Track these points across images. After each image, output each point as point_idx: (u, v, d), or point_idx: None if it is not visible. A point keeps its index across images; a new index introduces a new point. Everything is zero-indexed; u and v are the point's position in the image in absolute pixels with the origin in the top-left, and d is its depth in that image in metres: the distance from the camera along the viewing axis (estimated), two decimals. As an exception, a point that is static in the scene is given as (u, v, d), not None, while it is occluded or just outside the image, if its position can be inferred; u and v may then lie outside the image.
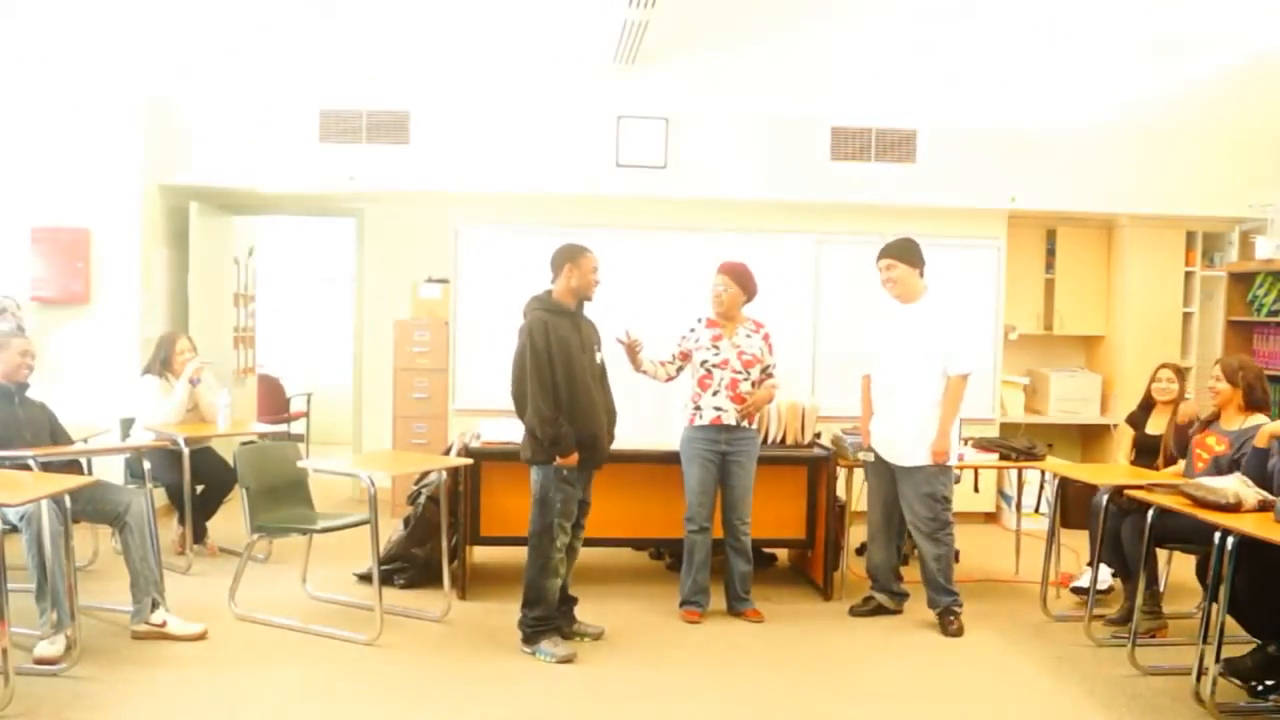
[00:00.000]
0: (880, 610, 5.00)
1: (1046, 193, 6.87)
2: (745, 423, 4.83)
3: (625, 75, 6.55)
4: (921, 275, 4.82)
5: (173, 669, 4.05)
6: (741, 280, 4.85)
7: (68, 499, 3.99)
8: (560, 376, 4.23)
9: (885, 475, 4.91)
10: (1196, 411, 4.99)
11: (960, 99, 6.68)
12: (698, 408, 4.81)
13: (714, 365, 4.80)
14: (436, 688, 3.99)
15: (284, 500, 4.98)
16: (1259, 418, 4.51)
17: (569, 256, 4.37)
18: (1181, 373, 5.39)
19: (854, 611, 5.04)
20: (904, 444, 4.78)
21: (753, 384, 4.84)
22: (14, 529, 4.06)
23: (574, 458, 4.27)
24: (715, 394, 4.78)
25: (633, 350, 4.75)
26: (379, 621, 4.47)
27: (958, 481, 5.48)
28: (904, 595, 4.96)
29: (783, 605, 5.12)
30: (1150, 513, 4.24)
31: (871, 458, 4.96)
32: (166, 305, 6.82)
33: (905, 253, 4.79)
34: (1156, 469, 5.09)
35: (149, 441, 5.43)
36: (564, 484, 4.30)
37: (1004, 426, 6.96)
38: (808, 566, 5.60)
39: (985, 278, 6.90)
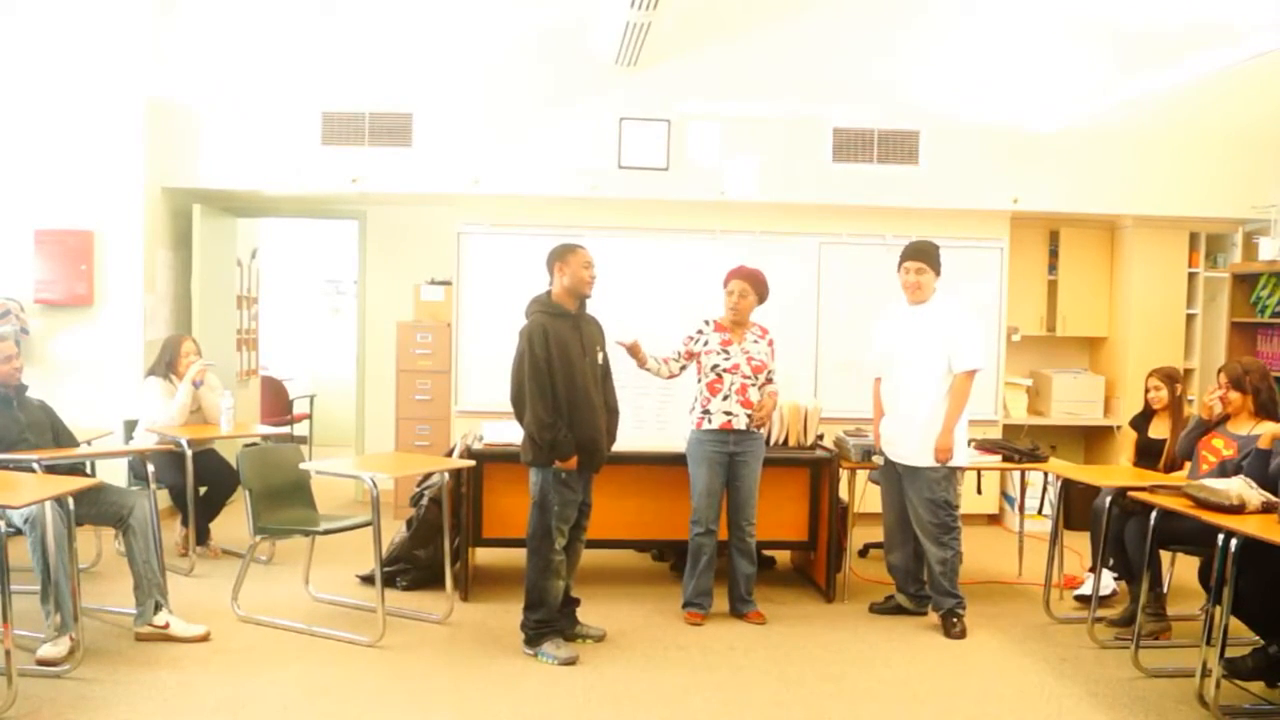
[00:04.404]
0: (900, 610, 5.00)
1: (1049, 194, 6.87)
2: (754, 427, 4.83)
3: (628, 77, 6.57)
4: (938, 278, 4.83)
5: (176, 670, 4.06)
6: (757, 286, 4.85)
7: (71, 501, 3.99)
8: (559, 381, 4.23)
9: (895, 478, 4.90)
10: (1211, 406, 4.89)
11: (962, 100, 6.69)
12: (706, 412, 4.79)
13: (724, 370, 4.79)
14: (439, 689, 3.99)
15: (287, 502, 4.98)
16: (1270, 425, 4.48)
17: (558, 255, 4.37)
18: (1171, 377, 5.35)
19: (874, 608, 5.05)
20: (911, 444, 4.77)
21: (759, 389, 4.85)
22: (18, 531, 4.07)
23: (573, 461, 4.27)
24: (725, 399, 4.78)
25: (635, 351, 4.76)
26: (381, 623, 4.47)
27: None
28: (926, 598, 4.92)
29: (785, 607, 5.11)
30: (1153, 515, 4.24)
31: (881, 461, 4.97)
32: (170, 307, 6.83)
33: (931, 259, 4.79)
34: (1158, 472, 5.08)
35: (152, 444, 5.44)
36: (562, 486, 4.30)
37: (1007, 428, 6.95)
38: (810, 568, 5.59)
39: (988, 279, 6.90)
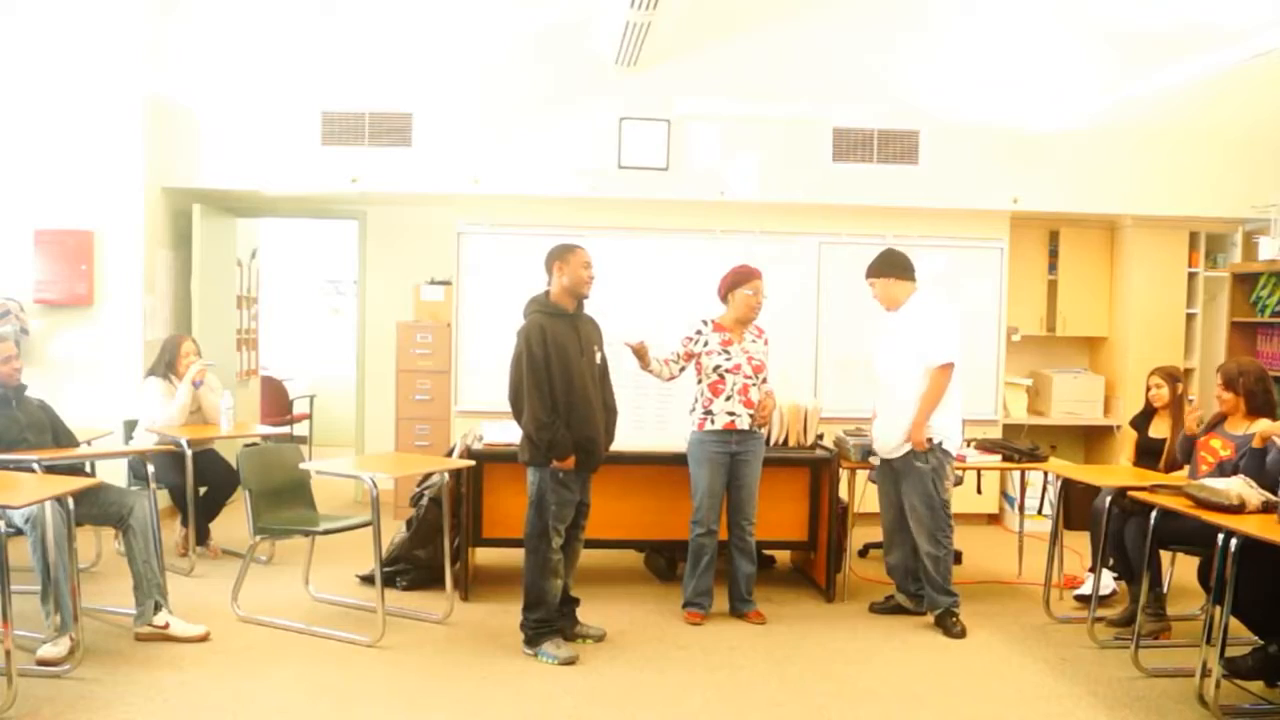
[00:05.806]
0: (900, 610, 5.00)
1: (1049, 194, 6.87)
2: (756, 426, 4.84)
3: (628, 77, 6.57)
4: (909, 281, 4.86)
5: (175, 670, 4.06)
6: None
7: (71, 501, 3.99)
8: (557, 381, 4.23)
9: (891, 476, 4.92)
10: (1202, 416, 4.95)
11: (962, 99, 6.69)
12: (709, 413, 4.79)
13: (727, 370, 4.79)
14: (439, 689, 3.99)
15: (287, 502, 4.99)
16: (1264, 423, 4.48)
17: (557, 255, 4.37)
18: (1173, 376, 5.37)
19: (874, 608, 5.05)
20: (895, 438, 4.81)
21: (759, 388, 4.85)
22: (18, 531, 4.07)
23: (570, 461, 4.27)
24: (729, 399, 4.78)
25: (641, 353, 4.76)
26: (381, 623, 4.47)
27: (959, 483, 5.48)
28: (924, 598, 4.94)
29: (785, 607, 5.11)
30: (1153, 514, 4.24)
31: (878, 460, 4.99)
32: (170, 307, 6.83)
33: (884, 267, 4.89)
34: (1158, 472, 5.07)
35: (152, 444, 5.44)
36: (559, 486, 4.30)
37: (1007, 428, 6.95)
38: (810, 568, 5.59)
39: (988, 279, 6.90)
